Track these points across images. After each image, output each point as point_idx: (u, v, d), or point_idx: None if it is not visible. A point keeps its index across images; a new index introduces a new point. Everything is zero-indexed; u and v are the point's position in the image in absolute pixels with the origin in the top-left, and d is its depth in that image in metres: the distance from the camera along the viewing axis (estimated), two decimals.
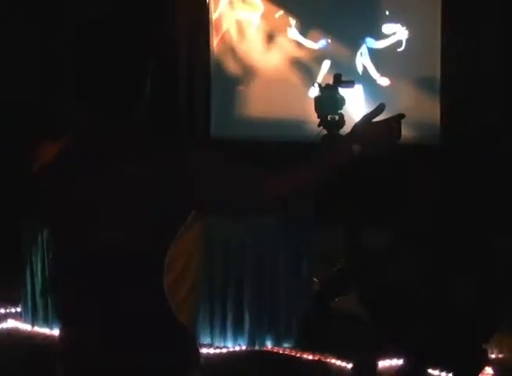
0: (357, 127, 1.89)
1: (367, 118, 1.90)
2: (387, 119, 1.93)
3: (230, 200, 1.88)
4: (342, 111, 4.64)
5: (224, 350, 4.30)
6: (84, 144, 1.90)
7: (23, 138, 3.37)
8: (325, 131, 4.64)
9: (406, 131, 6.52)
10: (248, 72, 6.62)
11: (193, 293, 1.93)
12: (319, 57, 6.55)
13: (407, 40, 6.37)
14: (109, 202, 1.84)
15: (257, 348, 4.30)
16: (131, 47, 1.88)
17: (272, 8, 6.57)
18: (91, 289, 1.89)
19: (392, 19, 6.40)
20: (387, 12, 6.41)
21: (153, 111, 2.12)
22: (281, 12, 6.58)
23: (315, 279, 4.69)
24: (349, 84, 4.68)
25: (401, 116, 1.96)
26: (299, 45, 6.60)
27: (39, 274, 4.56)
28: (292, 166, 1.87)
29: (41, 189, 1.96)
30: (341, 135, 4.64)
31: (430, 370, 3.78)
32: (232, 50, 6.62)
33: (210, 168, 1.84)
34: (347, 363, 4.06)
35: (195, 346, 1.97)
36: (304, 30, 6.57)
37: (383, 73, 6.43)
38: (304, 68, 6.58)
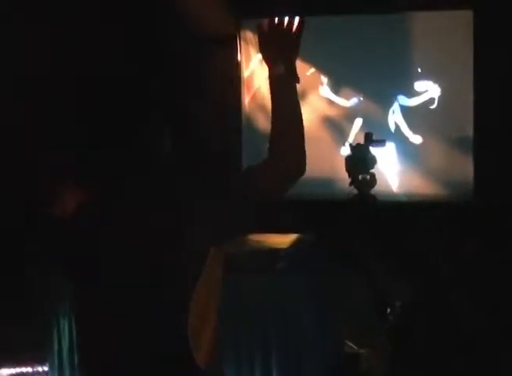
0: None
1: None
2: None
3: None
4: (373, 170, 4.61)
5: None
6: (108, 195, 1.90)
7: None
8: (356, 191, 4.61)
9: (439, 189, 6.47)
10: None
11: (214, 336, 1.91)
12: (350, 115, 6.55)
13: (439, 97, 6.35)
14: (133, 250, 1.83)
15: None
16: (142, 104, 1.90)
17: (304, 65, 6.59)
18: (114, 332, 1.87)
19: (424, 76, 6.39)
20: (419, 70, 6.41)
21: (185, 171, 2.11)
22: (313, 69, 6.60)
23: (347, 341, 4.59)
24: (380, 143, 4.66)
25: None
26: (331, 102, 6.61)
27: (66, 332, 4.52)
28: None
29: (69, 238, 1.94)
30: (373, 195, 4.61)
31: None
32: (263, 108, 6.65)
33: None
34: None
35: None
36: (335, 88, 6.59)
37: (415, 131, 6.40)
38: (336, 126, 6.58)
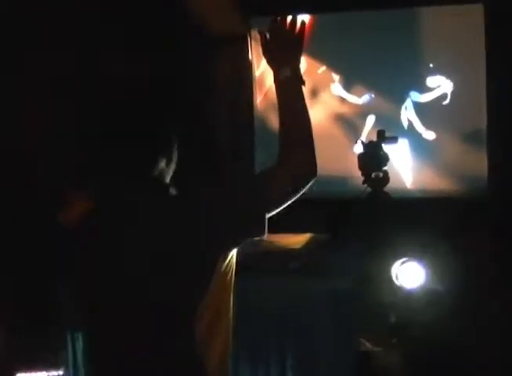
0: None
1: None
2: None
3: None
4: (386, 168, 4.59)
5: None
6: (111, 203, 1.89)
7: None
8: (369, 189, 4.59)
9: (454, 185, 6.42)
10: None
11: (226, 343, 1.90)
12: (363, 112, 6.51)
13: (452, 92, 6.30)
14: (143, 260, 1.82)
15: None
16: (155, 114, 1.89)
17: (315, 64, 6.57)
18: (123, 339, 1.86)
19: (436, 72, 6.35)
20: (431, 65, 6.37)
21: (197, 171, 2.11)
22: (323, 67, 6.58)
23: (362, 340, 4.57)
24: (393, 140, 4.63)
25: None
26: (342, 100, 6.58)
27: (80, 336, 4.53)
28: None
29: (74, 246, 1.93)
30: (386, 193, 4.58)
31: None
32: (275, 107, 6.59)
33: (222, 209, 1.82)
34: None
35: None
36: (347, 86, 6.56)
37: (428, 126, 6.36)
38: (349, 123, 6.55)
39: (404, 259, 4.37)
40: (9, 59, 4.35)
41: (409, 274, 4.38)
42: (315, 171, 1.88)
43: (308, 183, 1.87)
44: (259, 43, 2.08)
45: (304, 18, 1.97)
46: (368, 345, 4.58)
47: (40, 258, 2.08)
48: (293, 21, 1.91)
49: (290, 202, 1.89)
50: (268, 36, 1.93)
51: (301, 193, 1.89)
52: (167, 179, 1.96)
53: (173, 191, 1.91)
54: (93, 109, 2.02)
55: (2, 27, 4.35)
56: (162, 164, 1.91)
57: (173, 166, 1.98)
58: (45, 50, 4.51)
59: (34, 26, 4.53)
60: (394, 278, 4.41)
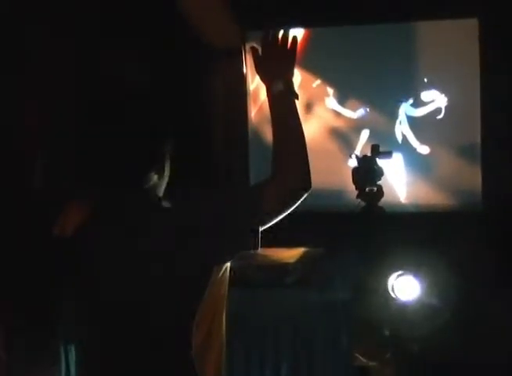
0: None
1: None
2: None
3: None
4: (380, 182, 4.59)
5: None
6: (105, 218, 1.89)
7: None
8: (363, 203, 4.59)
9: (448, 199, 6.42)
10: None
11: (220, 356, 1.90)
12: (357, 126, 6.53)
13: (446, 107, 6.33)
14: (136, 276, 1.82)
15: None
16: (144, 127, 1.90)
17: (310, 77, 6.58)
18: (117, 350, 1.86)
19: (430, 86, 6.37)
20: (425, 80, 6.39)
21: (191, 181, 2.12)
22: (318, 81, 6.59)
23: (357, 355, 4.56)
24: (387, 155, 4.63)
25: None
26: (337, 114, 6.60)
27: (73, 348, 4.51)
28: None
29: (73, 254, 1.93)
30: (380, 207, 4.58)
31: None
32: (270, 120, 6.60)
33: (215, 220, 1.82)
34: None
35: None
36: (342, 100, 6.57)
37: (422, 141, 6.38)
38: (343, 137, 6.56)
39: (399, 273, 4.37)
40: (8, 59, 4.34)
41: (405, 288, 4.38)
42: (309, 185, 1.88)
43: (301, 197, 1.87)
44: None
45: (299, 32, 1.97)
46: (362, 359, 4.57)
47: (37, 265, 2.07)
48: (285, 35, 1.91)
49: (283, 216, 1.89)
50: (260, 51, 1.93)
51: (295, 206, 1.89)
52: (160, 192, 1.96)
53: (166, 204, 1.92)
54: (87, 119, 2.02)
55: (2, 27, 4.35)
56: (155, 176, 1.91)
57: (166, 179, 1.98)
58: (45, 50, 4.51)
59: (33, 25, 4.53)
60: (389, 291, 4.41)
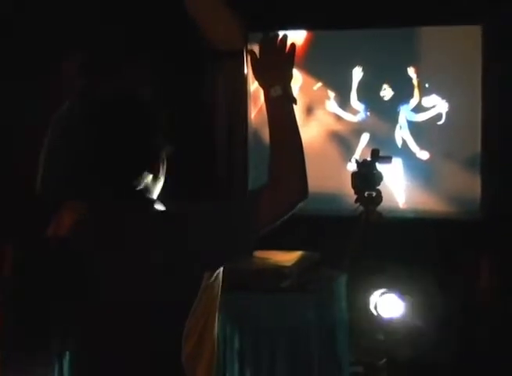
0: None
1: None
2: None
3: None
4: (379, 187, 4.57)
5: None
6: (98, 220, 1.87)
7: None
8: (362, 208, 4.57)
9: (446, 206, 6.39)
10: None
11: (212, 360, 1.89)
12: (357, 130, 6.51)
13: (447, 113, 6.31)
14: (126, 283, 1.80)
15: None
16: (140, 125, 1.88)
17: (311, 80, 6.57)
18: (107, 365, 1.84)
19: (432, 92, 6.35)
20: (426, 85, 6.37)
21: (192, 183, 2.09)
22: (319, 84, 6.57)
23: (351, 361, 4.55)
24: (387, 159, 4.61)
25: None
26: (338, 117, 6.58)
27: (67, 354, 4.48)
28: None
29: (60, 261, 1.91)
30: (378, 212, 4.56)
31: None
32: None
33: (212, 229, 1.80)
34: None
35: None
36: (342, 103, 6.55)
37: (422, 146, 6.36)
38: (343, 141, 6.55)
39: (384, 290, 4.38)
40: (9, 64, 4.33)
41: (390, 305, 4.40)
42: (306, 192, 1.85)
43: (298, 204, 1.84)
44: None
45: (300, 35, 1.95)
46: (357, 366, 4.57)
47: (31, 273, 2.05)
48: (284, 39, 1.89)
49: (280, 221, 1.87)
50: (258, 55, 1.91)
51: (291, 213, 1.86)
52: (154, 195, 1.94)
53: (159, 207, 1.89)
54: (81, 121, 1.99)
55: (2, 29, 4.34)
56: (148, 178, 1.89)
57: (161, 181, 1.95)
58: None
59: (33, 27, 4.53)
60: (372, 308, 4.42)
